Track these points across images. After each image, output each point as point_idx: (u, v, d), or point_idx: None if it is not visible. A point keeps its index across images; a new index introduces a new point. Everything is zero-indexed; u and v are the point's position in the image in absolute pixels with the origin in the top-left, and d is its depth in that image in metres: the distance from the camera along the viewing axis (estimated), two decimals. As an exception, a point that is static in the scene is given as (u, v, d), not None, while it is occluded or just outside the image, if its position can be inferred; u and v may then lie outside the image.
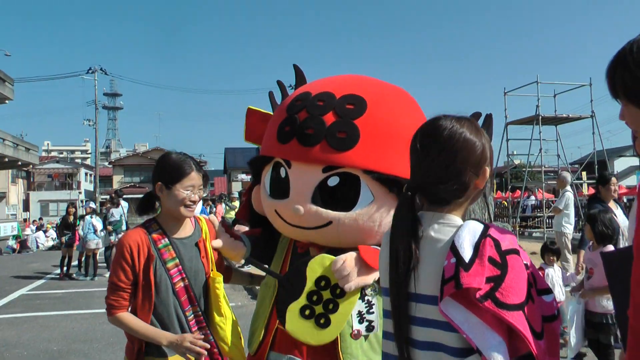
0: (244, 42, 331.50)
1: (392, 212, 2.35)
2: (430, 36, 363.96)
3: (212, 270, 2.82)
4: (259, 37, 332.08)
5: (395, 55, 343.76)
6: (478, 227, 1.67)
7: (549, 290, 1.75)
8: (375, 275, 2.46)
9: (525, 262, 1.66)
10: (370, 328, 2.54)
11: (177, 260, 2.72)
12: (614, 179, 6.73)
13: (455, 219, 1.75)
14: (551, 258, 6.14)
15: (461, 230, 1.67)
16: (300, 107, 2.58)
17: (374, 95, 2.61)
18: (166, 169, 2.73)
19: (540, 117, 19.48)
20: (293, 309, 2.50)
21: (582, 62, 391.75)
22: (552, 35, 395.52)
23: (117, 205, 15.10)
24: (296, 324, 2.49)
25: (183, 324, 2.72)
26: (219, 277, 2.80)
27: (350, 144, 2.44)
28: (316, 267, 2.49)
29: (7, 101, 37.95)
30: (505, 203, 24.01)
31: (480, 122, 2.72)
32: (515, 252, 1.64)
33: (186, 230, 2.83)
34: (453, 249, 1.63)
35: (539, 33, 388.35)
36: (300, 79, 3.06)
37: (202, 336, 2.63)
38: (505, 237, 1.65)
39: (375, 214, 2.51)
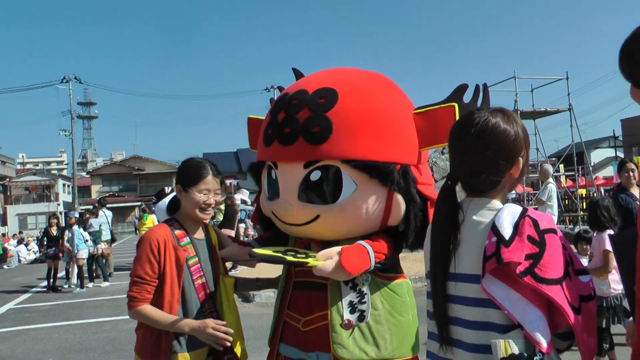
0: (221, 46, 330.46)
1: (375, 198, 2.54)
2: (409, 34, 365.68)
3: (220, 274, 2.91)
4: (239, 41, 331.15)
5: (375, 53, 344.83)
6: (517, 209, 1.76)
7: (585, 271, 1.82)
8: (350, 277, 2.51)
9: (562, 242, 1.75)
10: (361, 318, 2.56)
11: (197, 259, 2.81)
12: (627, 165, 6.47)
13: (495, 203, 1.84)
14: (585, 247, 5.97)
15: (501, 212, 1.76)
16: (278, 108, 2.67)
17: (344, 84, 2.65)
18: (184, 173, 2.85)
19: (519, 112, 19.69)
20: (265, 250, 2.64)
21: (558, 56, 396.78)
22: (528, 30, 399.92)
23: (96, 215, 15.09)
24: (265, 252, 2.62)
25: (201, 319, 2.77)
26: (231, 280, 2.91)
27: (325, 137, 2.50)
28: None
29: (-19, 114, 37.46)
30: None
31: (469, 94, 2.72)
32: (553, 231, 1.73)
33: (200, 233, 2.93)
34: (494, 229, 1.72)
35: (517, 29, 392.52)
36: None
37: (224, 322, 2.66)
38: (543, 218, 1.74)
39: (360, 202, 2.54)
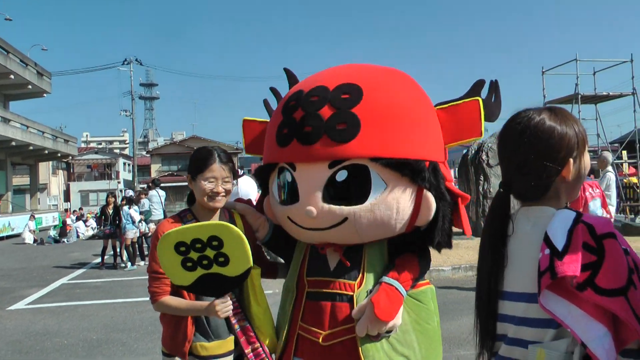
0: (280, 30, 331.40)
1: (406, 197, 2.40)
2: (462, 12, 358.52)
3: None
4: (298, 27, 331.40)
5: (424, 33, 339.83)
6: (570, 215, 1.60)
7: None
8: (390, 325, 2.38)
9: (624, 247, 1.58)
10: (389, 330, 2.43)
11: None
12: None
13: (548, 210, 1.69)
14: None
15: (553, 220, 1.61)
16: (295, 106, 2.47)
17: (368, 80, 2.48)
18: (192, 161, 2.84)
19: (579, 96, 19.05)
20: (170, 238, 2.46)
21: (623, 37, 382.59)
22: (592, 9, 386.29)
23: (146, 194, 15.38)
24: (166, 253, 2.48)
25: None
26: (257, 270, 2.80)
27: (352, 134, 2.32)
28: (220, 227, 2.45)
29: (45, 94, 38.87)
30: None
31: (486, 90, 2.61)
32: (611, 235, 1.57)
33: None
34: (546, 240, 1.58)
35: (577, 9, 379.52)
36: (293, 82, 2.97)
37: (226, 301, 2.62)
38: (599, 222, 1.59)
39: (391, 201, 2.38)
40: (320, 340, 2.48)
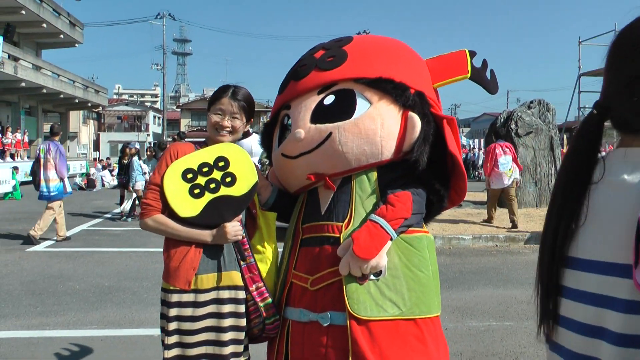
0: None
1: (390, 114, 2.46)
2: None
3: (256, 207, 2.77)
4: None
5: (454, 5, 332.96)
6: None
7: None
8: (372, 264, 2.31)
9: None
10: (377, 273, 2.37)
11: None
12: None
13: None
14: None
15: None
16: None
17: (360, 36, 2.85)
18: (210, 97, 2.83)
19: (616, 69, 18.42)
20: (177, 167, 2.58)
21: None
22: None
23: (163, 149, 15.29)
24: (173, 182, 2.56)
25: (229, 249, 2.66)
26: (273, 214, 2.80)
27: (340, 62, 2.53)
28: (226, 147, 2.64)
29: (77, 45, 39.03)
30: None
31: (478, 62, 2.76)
32: None
33: None
34: None
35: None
36: None
37: (238, 223, 2.61)
38: None
39: (375, 115, 2.46)
40: (309, 285, 2.47)
